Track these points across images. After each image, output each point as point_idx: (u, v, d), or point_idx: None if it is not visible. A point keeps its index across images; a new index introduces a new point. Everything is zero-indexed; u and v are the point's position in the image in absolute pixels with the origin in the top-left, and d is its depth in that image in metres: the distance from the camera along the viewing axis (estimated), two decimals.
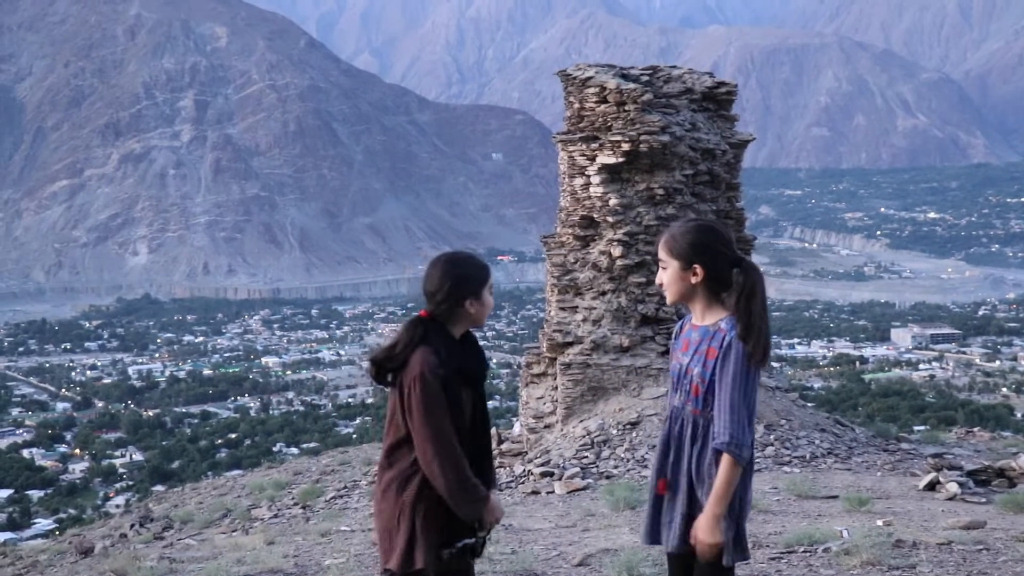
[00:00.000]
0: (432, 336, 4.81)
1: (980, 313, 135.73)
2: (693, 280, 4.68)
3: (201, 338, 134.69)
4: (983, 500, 12.72)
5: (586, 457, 16.87)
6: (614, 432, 17.44)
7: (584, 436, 17.56)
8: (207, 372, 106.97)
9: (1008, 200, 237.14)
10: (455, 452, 4.65)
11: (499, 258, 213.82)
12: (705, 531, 4.60)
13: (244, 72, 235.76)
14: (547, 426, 19.07)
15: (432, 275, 4.89)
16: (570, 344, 18.95)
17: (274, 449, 64.35)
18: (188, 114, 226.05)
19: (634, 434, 17.27)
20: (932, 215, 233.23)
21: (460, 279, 4.85)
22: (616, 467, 16.26)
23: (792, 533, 9.79)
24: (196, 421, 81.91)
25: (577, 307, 19.22)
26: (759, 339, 4.56)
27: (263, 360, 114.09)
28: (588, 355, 18.68)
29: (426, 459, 4.66)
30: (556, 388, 19.02)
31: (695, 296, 4.73)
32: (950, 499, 12.83)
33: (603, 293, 19.08)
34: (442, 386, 4.69)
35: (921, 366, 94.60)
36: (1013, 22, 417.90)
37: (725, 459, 4.53)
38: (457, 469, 4.64)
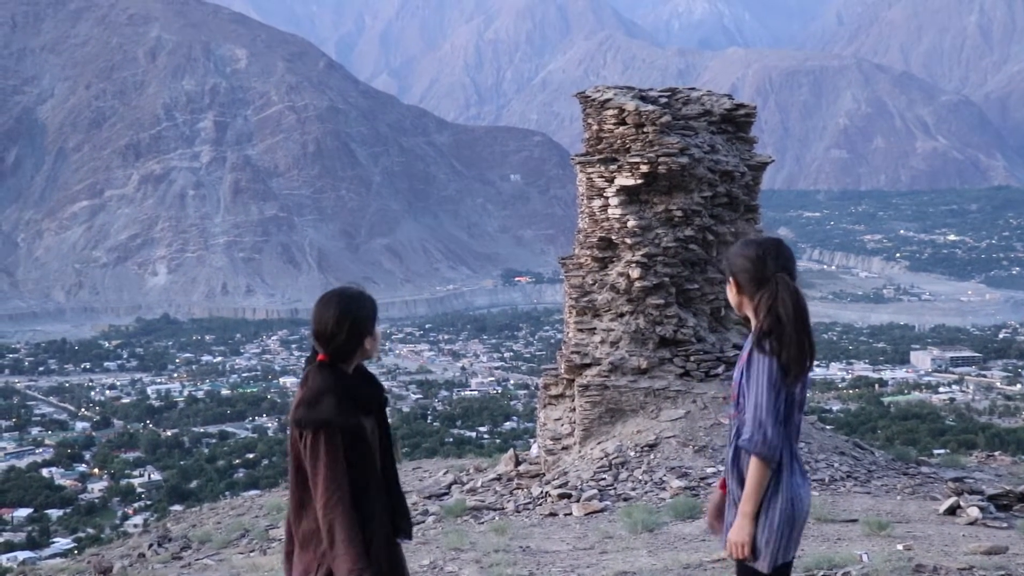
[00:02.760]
0: (335, 381, 4.70)
1: (1000, 336, 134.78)
2: (734, 292, 4.93)
3: (219, 358, 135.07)
4: (1004, 525, 12.62)
5: (604, 479, 16.83)
6: (632, 454, 17.40)
7: (602, 458, 17.52)
8: (225, 392, 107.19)
9: None
10: (353, 518, 4.55)
11: (517, 279, 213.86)
12: (734, 529, 4.78)
13: (263, 93, 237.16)
14: (565, 448, 19.03)
15: (326, 316, 4.73)
16: (588, 366, 18.94)
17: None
18: (208, 135, 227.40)
19: (652, 456, 17.22)
20: (952, 237, 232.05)
21: (358, 319, 4.74)
22: (634, 489, 16.21)
23: (812, 557, 9.74)
24: (214, 441, 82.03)
25: (595, 329, 19.21)
26: (786, 347, 4.72)
27: (281, 380, 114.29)
28: (606, 377, 18.66)
29: (324, 513, 4.57)
30: (574, 410, 18.99)
31: (743, 308, 4.95)
32: (971, 524, 12.74)
33: (621, 315, 19.07)
34: (349, 434, 4.62)
35: (941, 389, 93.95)
36: None
37: (752, 459, 4.71)
38: (349, 530, 4.54)
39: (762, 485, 4.70)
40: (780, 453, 4.74)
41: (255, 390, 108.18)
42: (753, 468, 4.70)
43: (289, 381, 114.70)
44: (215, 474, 66.99)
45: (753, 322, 4.88)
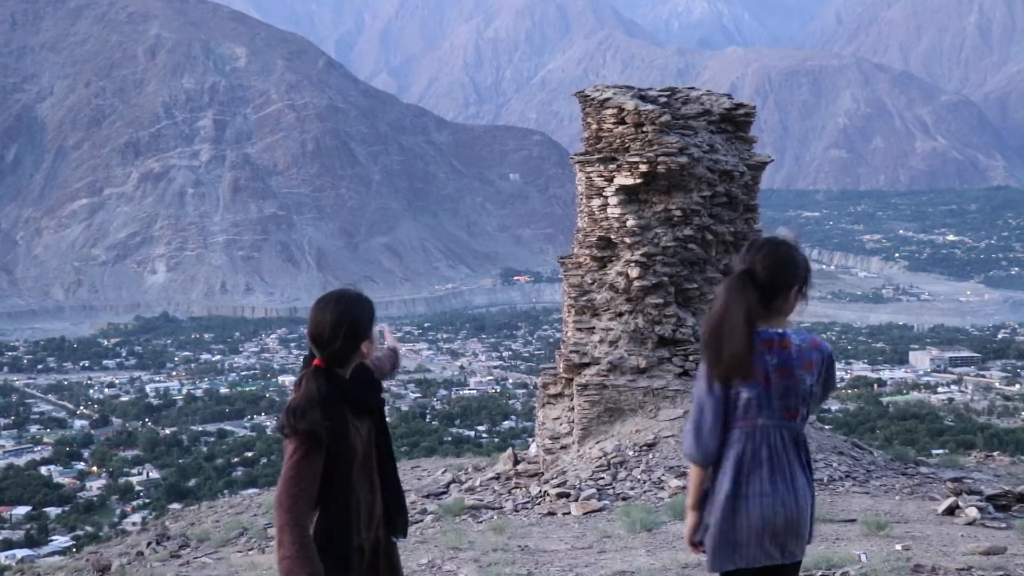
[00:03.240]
0: (328, 388, 4.69)
1: (999, 336, 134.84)
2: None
3: (218, 356, 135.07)
4: (1003, 525, 12.62)
5: (602, 478, 16.83)
6: (631, 453, 17.40)
7: (601, 457, 17.52)
8: (224, 391, 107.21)
9: None
10: (303, 524, 4.55)
11: (516, 278, 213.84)
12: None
13: (263, 92, 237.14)
14: (563, 447, 19.04)
15: (322, 320, 4.70)
16: (587, 365, 18.94)
17: None
18: (207, 134, 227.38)
19: (651, 456, 17.22)
20: (951, 237, 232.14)
21: (354, 323, 4.71)
22: (632, 489, 16.21)
23: (810, 557, 9.73)
24: (213, 439, 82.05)
25: (594, 328, 19.20)
26: (709, 352, 4.78)
27: (279, 379, 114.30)
28: (605, 376, 18.66)
29: (276, 514, 4.60)
30: (573, 409, 19.00)
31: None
32: (969, 524, 12.74)
33: (620, 314, 19.07)
34: (332, 444, 4.61)
35: (940, 389, 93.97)
36: None
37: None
38: (300, 540, 4.52)
39: (693, 484, 4.87)
40: (712, 457, 4.78)
41: (254, 388, 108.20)
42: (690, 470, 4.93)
43: (288, 380, 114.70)
44: (213, 472, 67.00)
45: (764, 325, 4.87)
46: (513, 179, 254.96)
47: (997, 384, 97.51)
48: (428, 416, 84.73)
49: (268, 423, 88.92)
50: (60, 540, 52.99)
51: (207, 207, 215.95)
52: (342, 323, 4.68)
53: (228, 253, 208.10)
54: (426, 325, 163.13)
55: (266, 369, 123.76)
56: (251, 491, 36.15)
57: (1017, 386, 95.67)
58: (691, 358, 18.66)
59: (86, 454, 79.69)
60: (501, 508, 16.86)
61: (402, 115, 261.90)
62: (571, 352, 19.12)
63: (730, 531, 4.75)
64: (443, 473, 21.75)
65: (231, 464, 70.03)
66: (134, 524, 45.94)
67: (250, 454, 72.34)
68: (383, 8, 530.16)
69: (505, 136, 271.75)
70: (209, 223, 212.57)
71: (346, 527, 4.70)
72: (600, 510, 15.08)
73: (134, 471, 72.89)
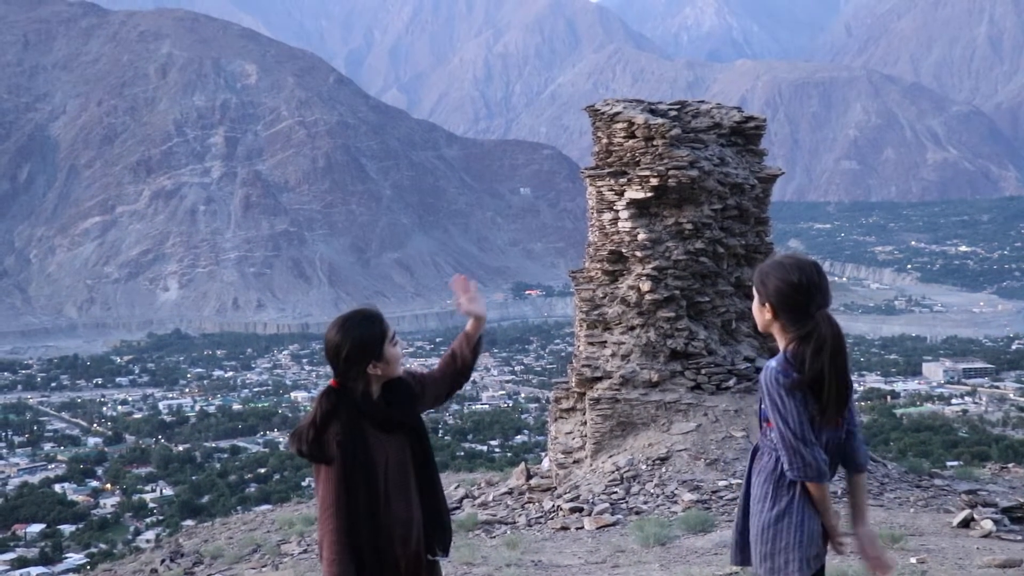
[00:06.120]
0: (342, 408, 4.80)
1: (1013, 347, 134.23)
2: (767, 316, 4.85)
3: (231, 373, 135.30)
4: (1019, 538, 12.55)
5: (615, 492, 16.79)
6: (643, 467, 17.36)
7: (613, 471, 17.48)
8: (237, 407, 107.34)
9: None
10: (337, 537, 4.72)
11: (527, 292, 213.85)
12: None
13: (274, 109, 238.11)
14: (576, 461, 19.00)
15: (331, 340, 4.85)
16: (599, 379, 18.91)
17: (303, 484, 64.37)
18: (218, 151, 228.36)
19: (663, 469, 17.18)
20: (963, 248, 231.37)
21: (357, 346, 4.81)
22: (646, 503, 16.17)
23: (827, 570, 9.69)
24: (226, 456, 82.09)
25: (606, 342, 19.19)
26: (827, 392, 4.71)
27: (292, 395, 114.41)
28: (617, 390, 18.63)
29: (319, 530, 4.80)
30: (585, 423, 18.97)
31: (773, 330, 4.88)
32: (985, 536, 12.67)
33: (632, 328, 19.05)
34: (349, 463, 4.74)
35: (953, 401, 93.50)
36: None
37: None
38: (330, 549, 4.71)
39: (819, 502, 4.78)
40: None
41: (266, 405, 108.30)
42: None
43: (300, 396, 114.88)
44: (227, 489, 66.99)
45: (781, 345, 4.83)
46: (524, 193, 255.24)
47: (1011, 395, 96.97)
48: (441, 431, 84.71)
49: (281, 439, 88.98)
50: (74, 558, 53.04)
51: (219, 224, 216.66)
52: (344, 345, 4.79)
53: (240, 269, 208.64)
54: (438, 340, 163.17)
55: (279, 385, 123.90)
56: (264, 507, 36.13)
57: None
58: (703, 372, 18.63)
59: (100, 471, 79.80)
60: (514, 523, 16.84)
61: (412, 130, 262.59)
62: (583, 366, 19.10)
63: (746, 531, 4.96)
64: (456, 488, 21.73)
65: (244, 480, 70.04)
66: (148, 541, 46.00)
67: (263, 470, 72.34)
68: (393, 24, 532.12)
69: (515, 151, 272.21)
70: (221, 240, 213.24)
71: (376, 543, 4.77)
72: (613, 524, 15.05)
73: (147, 488, 72.96)
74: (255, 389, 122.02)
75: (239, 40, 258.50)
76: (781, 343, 4.84)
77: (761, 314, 4.89)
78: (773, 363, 4.76)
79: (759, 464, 4.89)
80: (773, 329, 4.86)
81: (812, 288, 4.77)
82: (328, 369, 4.96)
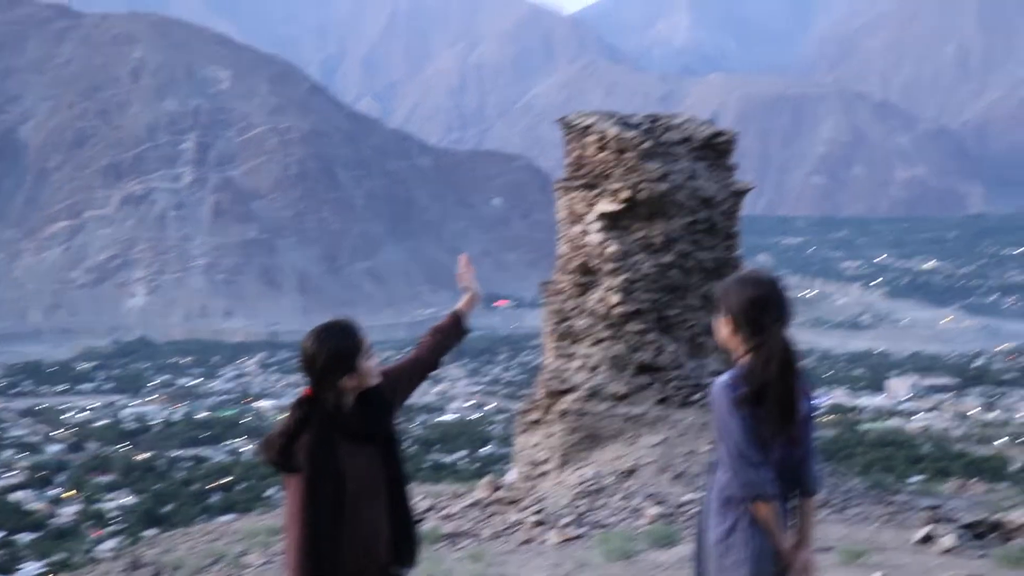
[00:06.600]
0: (314, 418, 4.78)
1: (977, 363, 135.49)
2: (726, 331, 4.87)
3: (197, 380, 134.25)
4: (979, 554, 12.61)
5: (581, 506, 16.75)
6: (610, 481, 17.33)
7: (579, 484, 17.44)
8: (202, 415, 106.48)
9: (1005, 251, 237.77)
10: (302, 546, 4.68)
11: (496, 304, 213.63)
12: None
13: (246, 115, 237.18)
14: (542, 474, 18.95)
15: (305, 350, 4.84)
16: (567, 391, 18.89)
17: (267, 494, 63.92)
18: (189, 156, 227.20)
19: (630, 483, 17.15)
20: (930, 265, 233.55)
21: (331, 358, 4.80)
22: (611, 516, 16.13)
23: None
24: (190, 464, 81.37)
25: (574, 354, 19.17)
26: (768, 408, 4.71)
27: (258, 403, 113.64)
28: (585, 403, 18.61)
29: (285, 541, 4.76)
30: (552, 435, 18.93)
31: (733, 345, 4.90)
32: (946, 552, 12.72)
33: (600, 340, 19.05)
34: (316, 475, 4.71)
35: (918, 416, 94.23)
36: (1010, 73, 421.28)
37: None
38: (296, 557, 4.68)
39: (763, 522, 4.72)
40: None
41: (232, 413, 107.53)
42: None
43: (267, 404, 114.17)
44: (190, 498, 66.40)
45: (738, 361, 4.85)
46: (496, 204, 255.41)
47: (975, 411, 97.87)
48: (407, 441, 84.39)
49: (246, 448, 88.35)
50: (32, 568, 52.29)
51: (188, 230, 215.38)
52: (318, 357, 4.78)
53: (209, 276, 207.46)
54: (407, 350, 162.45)
55: (245, 393, 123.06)
56: (227, 517, 35.86)
57: (994, 413, 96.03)
58: (671, 385, 18.64)
59: (60, 479, 78.82)
60: (479, 536, 16.76)
61: (385, 139, 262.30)
62: (551, 378, 19.07)
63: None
64: (422, 500, 21.62)
65: (207, 490, 69.44)
66: (108, 551, 45.47)
67: (227, 480, 71.75)
68: (367, 32, 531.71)
69: (488, 161, 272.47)
70: (190, 246, 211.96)
71: (342, 555, 4.75)
72: (578, 538, 15.00)
73: (109, 496, 72.13)
74: (221, 397, 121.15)
75: (212, 45, 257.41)
76: (739, 358, 4.85)
77: (721, 328, 4.89)
78: (724, 377, 4.77)
79: (713, 479, 4.87)
80: (732, 344, 4.87)
81: (770, 303, 4.79)
82: (299, 378, 4.94)
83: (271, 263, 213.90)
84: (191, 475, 75.66)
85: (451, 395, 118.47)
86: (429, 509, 20.05)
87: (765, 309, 4.79)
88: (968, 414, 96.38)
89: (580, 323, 19.18)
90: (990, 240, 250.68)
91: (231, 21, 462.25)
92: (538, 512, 16.81)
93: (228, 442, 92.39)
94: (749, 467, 4.64)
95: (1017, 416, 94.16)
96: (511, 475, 20.72)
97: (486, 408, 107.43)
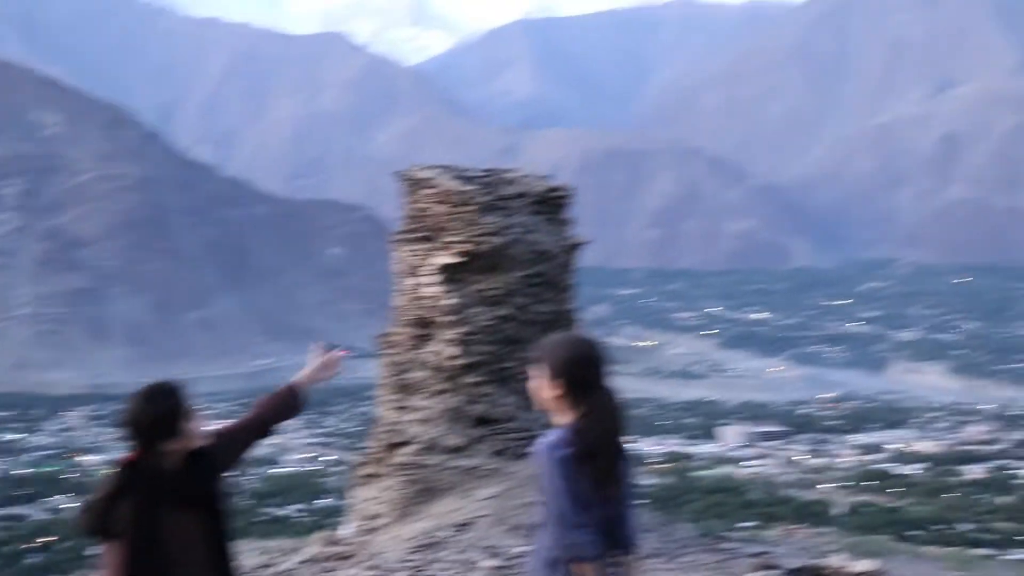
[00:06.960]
0: (137, 482, 4.67)
1: (802, 411, 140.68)
2: (553, 392, 4.86)
3: (16, 436, 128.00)
4: None
5: (415, 560, 16.60)
6: (445, 534, 17.25)
7: (414, 538, 17.30)
8: (20, 471, 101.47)
9: (827, 302, 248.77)
10: None
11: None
12: None
13: (76, 161, 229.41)
14: (378, 528, 18.74)
15: (126, 417, 4.74)
16: (403, 444, 18.77)
17: (89, 553, 61.13)
18: (14, 202, 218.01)
19: (465, 535, 17.11)
20: (760, 316, 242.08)
21: (151, 422, 4.69)
22: (446, 570, 16.04)
23: None
24: (6, 524, 77.30)
25: (410, 407, 19.09)
26: (597, 467, 4.74)
27: (83, 458, 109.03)
28: (421, 455, 18.53)
29: None
30: (388, 488, 18.75)
31: (554, 407, 4.90)
32: None
33: (437, 393, 19.03)
34: (136, 543, 4.58)
35: (748, 463, 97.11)
36: (832, 132, 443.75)
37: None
38: None
39: None
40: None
41: (54, 469, 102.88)
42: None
43: (94, 459, 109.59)
44: (5, 561, 63.05)
45: (562, 421, 4.86)
46: (335, 254, 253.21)
47: (801, 457, 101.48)
48: (241, 495, 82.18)
49: (67, 505, 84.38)
50: None
51: (10, 279, 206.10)
52: (144, 419, 4.66)
53: (33, 327, 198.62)
54: (242, 401, 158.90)
55: (68, 448, 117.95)
56: None
57: (819, 459, 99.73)
58: (507, 436, 18.73)
59: None
60: None
61: (221, 187, 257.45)
62: (387, 431, 18.94)
63: None
64: (255, 556, 21.07)
65: (22, 550, 66.11)
66: None
67: (44, 540, 68.37)
68: (205, 78, 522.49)
69: (328, 211, 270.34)
70: (13, 295, 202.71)
71: None
72: None
73: None
74: (41, 452, 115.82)
75: (42, 88, 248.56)
76: (562, 419, 4.89)
77: (543, 389, 4.92)
78: (550, 437, 4.80)
79: (539, 539, 4.89)
80: (554, 405, 4.91)
81: (594, 363, 4.87)
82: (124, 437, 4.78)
83: (99, 313, 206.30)
84: (8, 535, 71.91)
85: (287, 447, 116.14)
86: (261, 566, 19.57)
87: (590, 370, 4.86)
88: (795, 459, 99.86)
89: (416, 375, 19.14)
90: (815, 292, 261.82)
91: (64, 65, 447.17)
92: (373, 568, 16.60)
93: (48, 499, 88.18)
94: (570, 529, 4.66)
95: (838, 461, 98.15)
96: (346, 529, 20.42)
97: (323, 459, 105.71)
